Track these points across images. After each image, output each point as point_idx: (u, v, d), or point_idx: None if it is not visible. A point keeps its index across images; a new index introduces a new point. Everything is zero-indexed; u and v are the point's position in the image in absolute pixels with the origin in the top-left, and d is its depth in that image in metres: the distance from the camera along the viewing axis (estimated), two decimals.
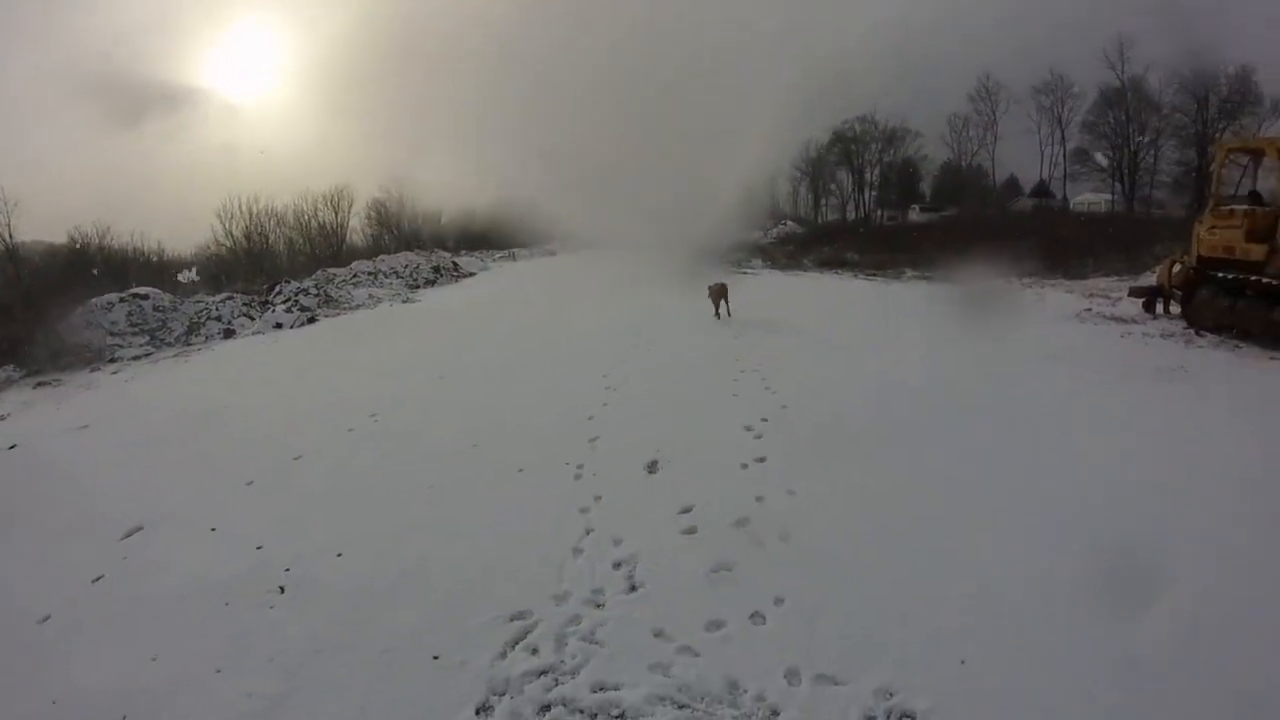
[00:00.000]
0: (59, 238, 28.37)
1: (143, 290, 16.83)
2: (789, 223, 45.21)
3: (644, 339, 11.43)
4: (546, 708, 3.10)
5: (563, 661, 3.37)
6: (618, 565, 4.23)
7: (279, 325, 16.84)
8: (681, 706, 3.04)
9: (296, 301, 18.53)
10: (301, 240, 40.01)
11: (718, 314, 13.25)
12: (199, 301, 17.74)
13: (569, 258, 39.74)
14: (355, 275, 24.50)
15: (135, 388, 11.37)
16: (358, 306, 19.93)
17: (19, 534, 5.69)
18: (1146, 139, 40.11)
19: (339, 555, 4.61)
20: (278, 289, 19.78)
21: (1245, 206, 10.50)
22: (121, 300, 16.02)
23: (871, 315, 14.21)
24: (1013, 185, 48.44)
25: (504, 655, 3.44)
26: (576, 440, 6.45)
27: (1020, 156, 46.58)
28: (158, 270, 25.04)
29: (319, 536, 4.88)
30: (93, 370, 13.24)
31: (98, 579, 4.69)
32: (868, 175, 50.50)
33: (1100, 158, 41.57)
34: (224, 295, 18.66)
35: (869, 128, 48.88)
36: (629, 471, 5.68)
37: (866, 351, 10.08)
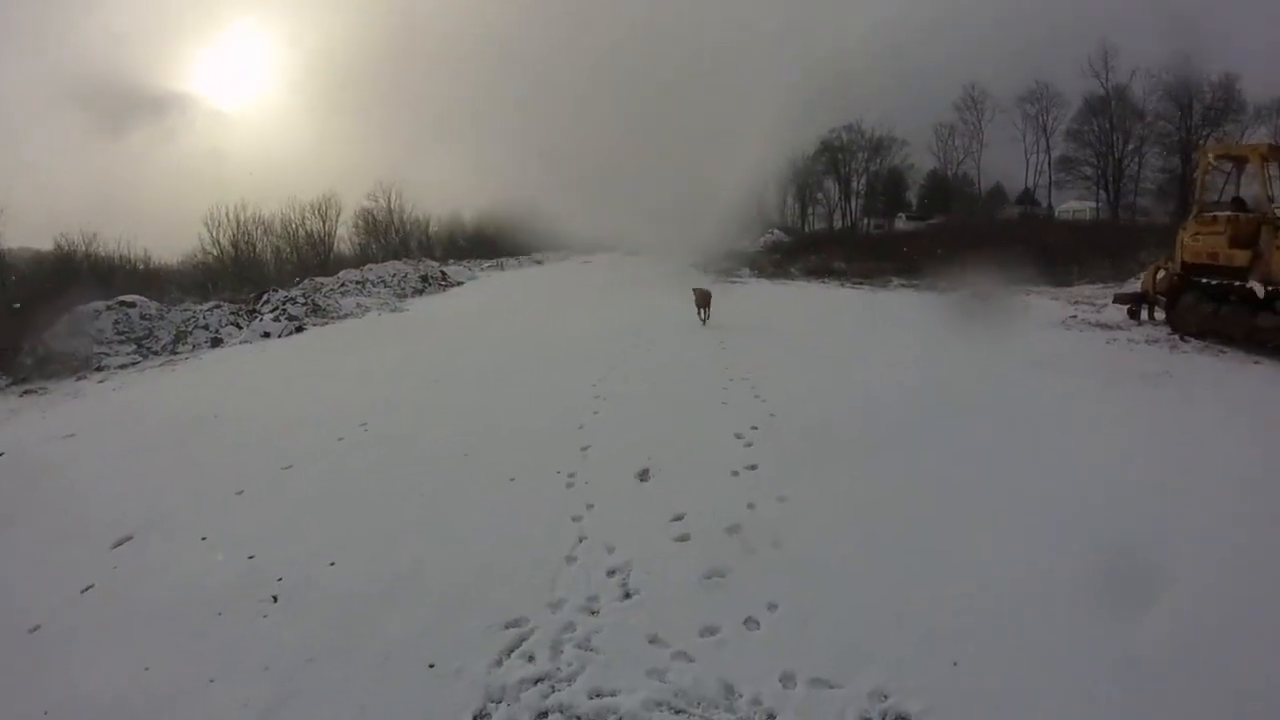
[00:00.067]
0: (45, 244, 28.23)
1: (130, 298, 16.72)
2: (776, 232, 45.42)
3: (632, 347, 11.49)
4: (544, 715, 3.10)
5: (559, 668, 3.37)
6: (611, 572, 4.24)
7: (267, 334, 16.79)
8: (678, 711, 3.06)
9: (284, 311, 18.47)
10: (289, 249, 39.91)
11: (701, 318, 13.67)
12: (186, 310, 17.65)
13: (556, 267, 39.80)
14: (343, 284, 24.41)
15: (123, 396, 11.30)
16: (346, 316, 19.88)
17: (6, 543, 5.64)
18: (1131, 147, 40.66)
19: (331, 564, 4.58)
20: (265, 298, 19.70)
21: (1229, 213, 10.68)
22: (108, 308, 15.92)
23: (859, 323, 14.34)
24: (998, 193, 48.84)
25: (500, 663, 3.43)
26: (567, 448, 6.46)
27: (1006, 165, 47.06)
28: (144, 278, 24.91)
29: (311, 545, 4.86)
30: (79, 379, 13.15)
31: (88, 588, 4.65)
32: (854, 184, 50.87)
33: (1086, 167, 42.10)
34: (211, 304, 18.59)
35: (856, 137, 49.34)
36: (620, 479, 5.70)
37: (854, 359, 10.17)
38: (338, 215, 42.63)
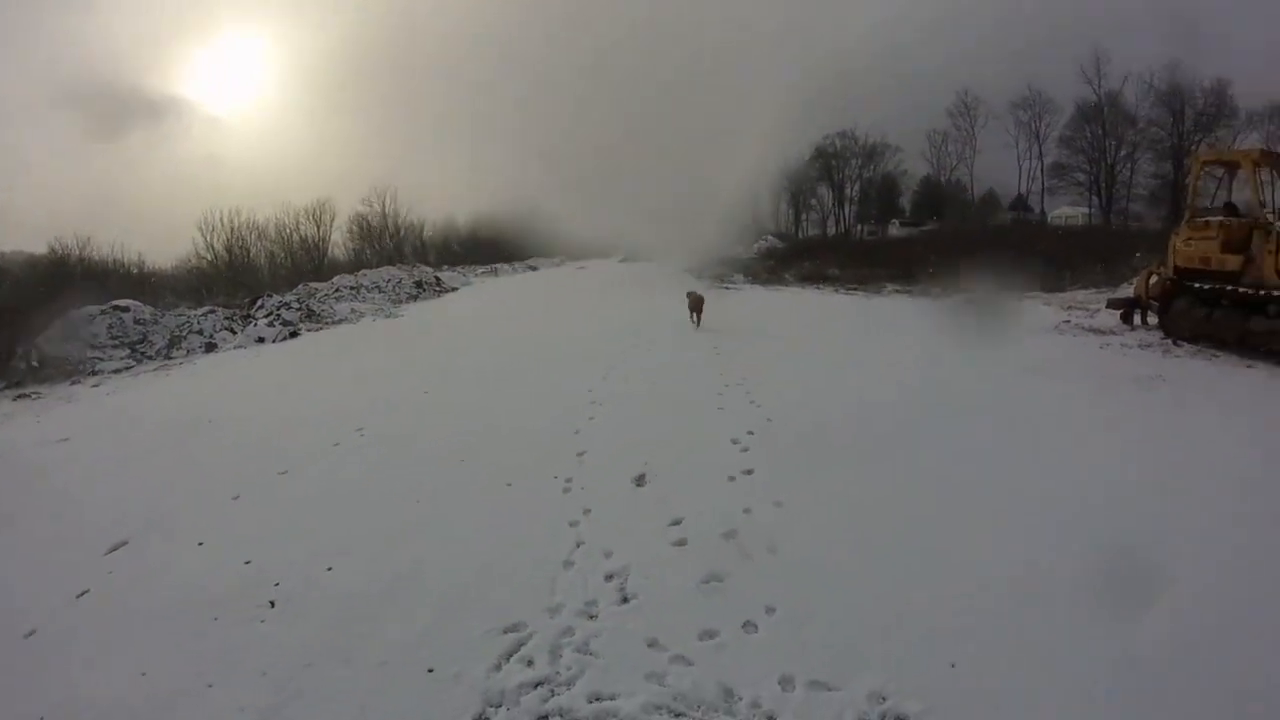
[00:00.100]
0: (39, 247, 28.16)
1: (123, 302, 16.67)
2: (770, 238, 45.59)
3: (629, 349, 11.54)
4: (544, 718, 3.10)
5: (558, 673, 3.37)
6: (609, 577, 4.24)
7: (261, 339, 16.77)
8: (678, 715, 3.06)
9: (279, 316, 18.44)
10: (283, 254, 39.90)
11: (694, 322, 13.95)
12: (180, 315, 17.61)
13: (551, 273, 39.84)
14: (337, 290, 24.41)
15: (117, 400, 11.27)
16: (340, 321, 19.88)
17: (0, 546, 5.61)
18: (1123, 152, 40.98)
19: (329, 569, 4.57)
20: (260, 303, 19.68)
21: (1221, 218, 10.76)
22: (102, 312, 15.87)
23: (853, 329, 14.39)
24: (991, 199, 49.11)
25: (499, 667, 3.43)
26: (564, 454, 6.47)
27: (999, 171, 47.35)
28: (138, 283, 24.85)
29: (308, 550, 4.84)
30: (73, 383, 13.12)
31: (83, 593, 4.62)
32: (848, 190, 51.08)
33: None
34: (205, 309, 18.55)
35: (849, 143, 49.61)
36: (617, 485, 5.71)
37: (849, 364, 10.22)
38: (332, 220, 42.73)
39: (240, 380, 12.47)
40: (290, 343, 16.57)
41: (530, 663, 3.45)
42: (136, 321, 16.08)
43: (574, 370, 10.21)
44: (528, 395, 8.97)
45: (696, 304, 14.13)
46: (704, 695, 3.15)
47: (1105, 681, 3.12)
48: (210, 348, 16.02)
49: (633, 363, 10.68)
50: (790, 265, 31.04)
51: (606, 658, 3.46)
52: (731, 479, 5.69)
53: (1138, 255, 18.36)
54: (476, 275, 37.83)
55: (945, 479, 5.43)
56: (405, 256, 41.08)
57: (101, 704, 3.44)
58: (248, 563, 4.75)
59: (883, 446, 6.26)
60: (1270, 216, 9.92)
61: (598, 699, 3.18)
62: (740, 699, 3.13)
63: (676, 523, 4.91)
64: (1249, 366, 9.22)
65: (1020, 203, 47.26)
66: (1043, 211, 45.88)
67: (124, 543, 5.33)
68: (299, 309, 19.64)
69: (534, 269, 43.43)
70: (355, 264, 36.61)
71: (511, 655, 3.52)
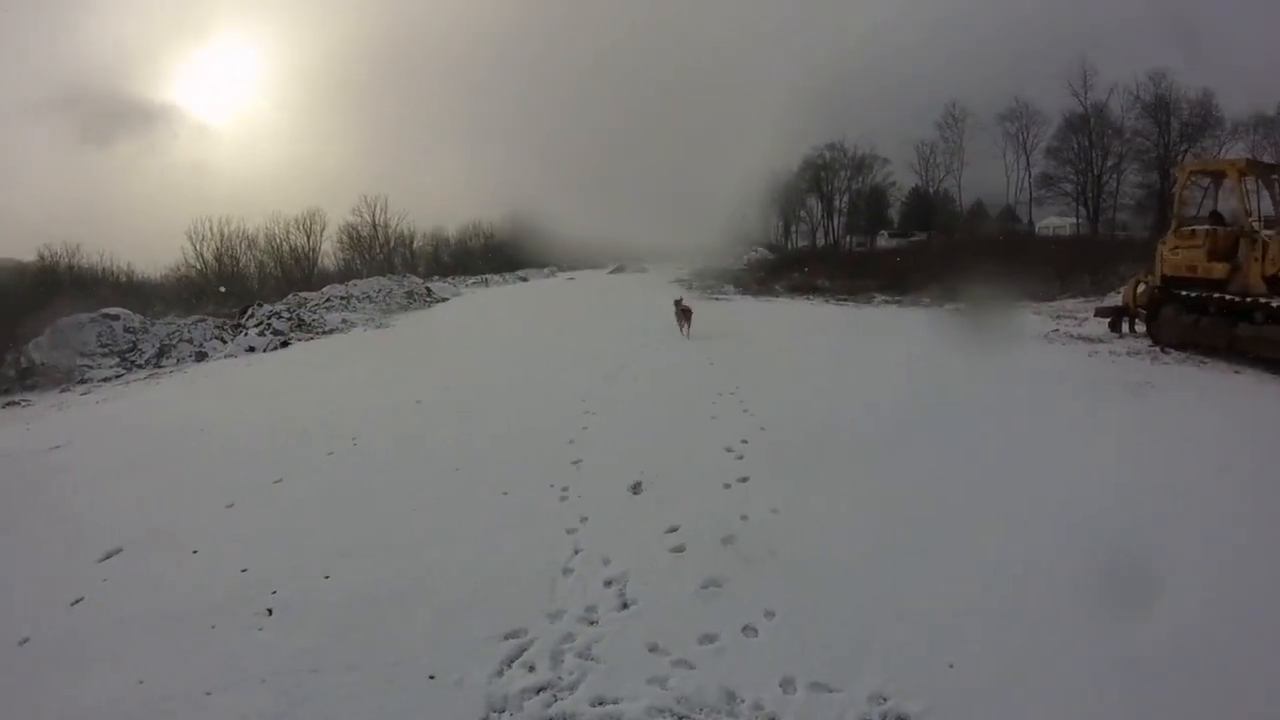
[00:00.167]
0: (28, 255, 27.98)
1: (113, 311, 16.61)
2: (760, 249, 45.78)
3: (621, 362, 11.55)
4: None
5: (560, 678, 3.38)
6: (608, 583, 4.26)
7: (252, 349, 16.71)
8: (681, 718, 3.09)
9: (269, 325, 18.40)
10: (273, 264, 39.87)
11: (684, 332, 14.19)
12: (170, 323, 17.54)
13: (540, 284, 39.88)
14: (328, 300, 24.37)
15: (108, 409, 11.20)
16: (331, 331, 19.84)
17: None
18: (1110, 163, 41.36)
19: (326, 577, 4.55)
20: (250, 312, 19.63)
21: (1207, 227, 10.89)
22: (92, 320, 15.79)
23: (844, 339, 14.48)
24: (979, 210, 49.42)
25: (501, 673, 3.44)
26: (559, 462, 6.49)
27: (987, 182, 47.65)
28: (128, 291, 24.75)
29: (305, 558, 4.83)
30: (63, 391, 13.05)
31: (77, 601, 4.58)
32: (837, 202, 51.31)
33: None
34: (195, 318, 18.49)
35: (838, 155, 49.84)
36: (613, 492, 5.74)
37: (841, 373, 10.28)
38: (322, 230, 42.72)
39: (232, 389, 12.42)
40: (281, 352, 16.52)
41: (532, 668, 3.46)
42: (126, 330, 16.00)
43: (568, 379, 10.27)
44: (522, 404, 9.00)
45: (685, 314, 14.38)
46: (706, 698, 3.17)
47: (1105, 681, 3.15)
48: (201, 357, 15.95)
49: (626, 372, 10.74)
50: (780, 276, 31.14)
51: (608, 662, 3.47)
52: (727, 486, 5.72)
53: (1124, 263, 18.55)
54: (467, 286, 37.87)
55: (941, 484, 5.48)
56: (395, 267, 41.06)
57: (99, 712, 3.41)
58: (244, 571, 4.73)
59: (878, 452, 6.32)
60: (1256, 225, 10.05)
61: (601, 703, 3.19)
62: (742, 701, 3.15)
63: (674, 529, 4.93)
64: (1236, 372, 9.33)
65: (1008, 213, 47.56)
66: (1030, 222, 46.22)
67: (118, 550, 5.30)
68: (290, 318, 19.60)
69: (524, 280, 43.48)
70: (345, 274, 36.63)
71: (513, 661, 3.53)
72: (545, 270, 47.75)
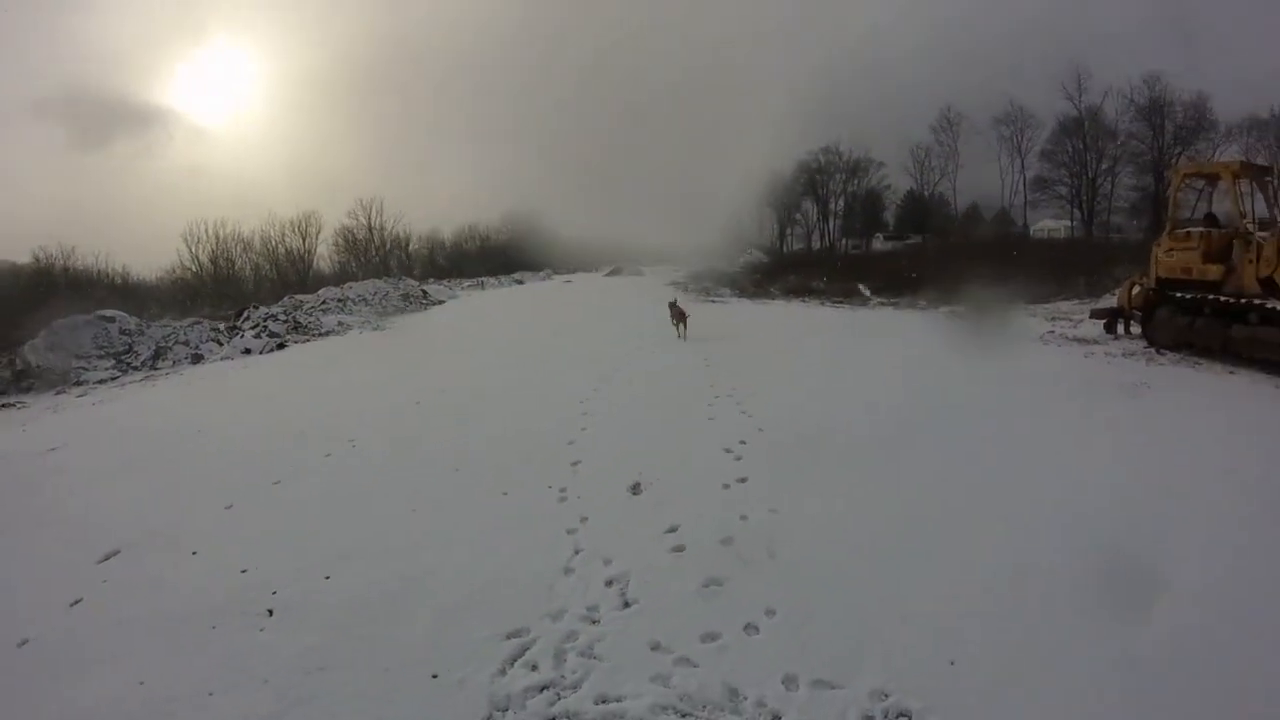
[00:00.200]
0: (23, 256, 27.91)
1: (109, 313, 16.53)
2: (755, 252, 45.85)
3: (617, 364, 11.57)
4: None
5: (563, 676, 3.39)
6: (610, 583, 4.28)
7: (248, 351, 16.67)
8: (685, 715, 3.10)
9: (265, 328, 18.37)
10: (268, 266, 39.82)
11: (679, 333, 14.31)
12: (166, 326, 17.48)
13: (536, 286, 39.88)
14: (324, 302, 24.33)
15: (104, 411, 11.15)
16: (328, 333, 19.81)
17: None
18: (1104, 166, 41.52)
19: (327, 578, 4.55)
20: (246, 314, 19.59)
21: (1202, 229, 10.95)
22: (87, 323, 15.72)
23: (840, 341, 14.52)
24: (974, 213, 49.53)
25: (503, 672, 3.44)
26: (558, 464, 6.51)
27: (982, 185, 47.77)
28: (123, 293, 24.68)
29: (305, 559, 4.83)
30: (58, 393, 12.99)
31: (76, 602, 4.57)
32: (832, 205, 51.39)
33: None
34: (191, 320, 18.43)
35: (833, 158, 49.93)
36: (612, 493, 5.75)
37: (838, 375, 10.32)
38: (318, 233, 42.70)
39: (229, 391, 12.39)
40: (278, 354, 16.48)
41: (535, 667, 3.47)
42: (122, 332, 15.94)
43: (565, 382, 10.28)
44: (520, 407, 9.00)
45: (679, 315, 14.53)
46: (710, 695, 3.19)
47: (1105, 681, 3.17)
48: (197, 359, 15.90)
49: (623, 374, 10.76)
50: (776, 279, 31.24)
51: (611, 661, 3.48)
52: (726, 487, 5.75)
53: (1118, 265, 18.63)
54: (463, 289, 37.84)
55: (939, 484, 5.51)
56: (391, 270, 41.06)
57: (100, 713, 3.40)
58: (244, 572, 4.73)
59: (876, 453, 6.34)
60: (1250, 227, 10.11)
61: (604, 701, 3.20)
62: (745, 698, 3.17)
63: (673, 530, 4.95)
64: (1231, 373, 9.38)
65: (1003, 216, 47.68)
66: (1025, 224, 46.37)
67: (116, 551, 5.28)
68: (286, 321, 19.56)
69: (520, 282, 43.49)
70: (341, 277, 36.59)
71: (515, 660, 3.54)
72: (541, 273, 47.81)
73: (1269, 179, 10.84)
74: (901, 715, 3.05)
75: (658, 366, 11.33)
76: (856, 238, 50.96)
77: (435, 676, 3.44)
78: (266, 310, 20.24)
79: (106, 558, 5.21)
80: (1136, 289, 12.19)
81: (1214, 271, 10.42)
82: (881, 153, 49.25)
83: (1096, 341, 12.44)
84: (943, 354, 11.72)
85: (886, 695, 3.15)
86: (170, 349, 16.05)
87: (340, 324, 21.22)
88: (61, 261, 26.42)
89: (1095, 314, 13.81)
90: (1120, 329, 12.82)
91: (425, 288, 32.25)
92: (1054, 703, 3.07)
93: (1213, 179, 11.88)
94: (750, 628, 3.72)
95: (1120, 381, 8.95)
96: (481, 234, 55.08)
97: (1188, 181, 12.86)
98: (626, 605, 4.02)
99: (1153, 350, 11.11)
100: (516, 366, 12.08)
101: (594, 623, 3.85)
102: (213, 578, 4.70)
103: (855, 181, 50.40)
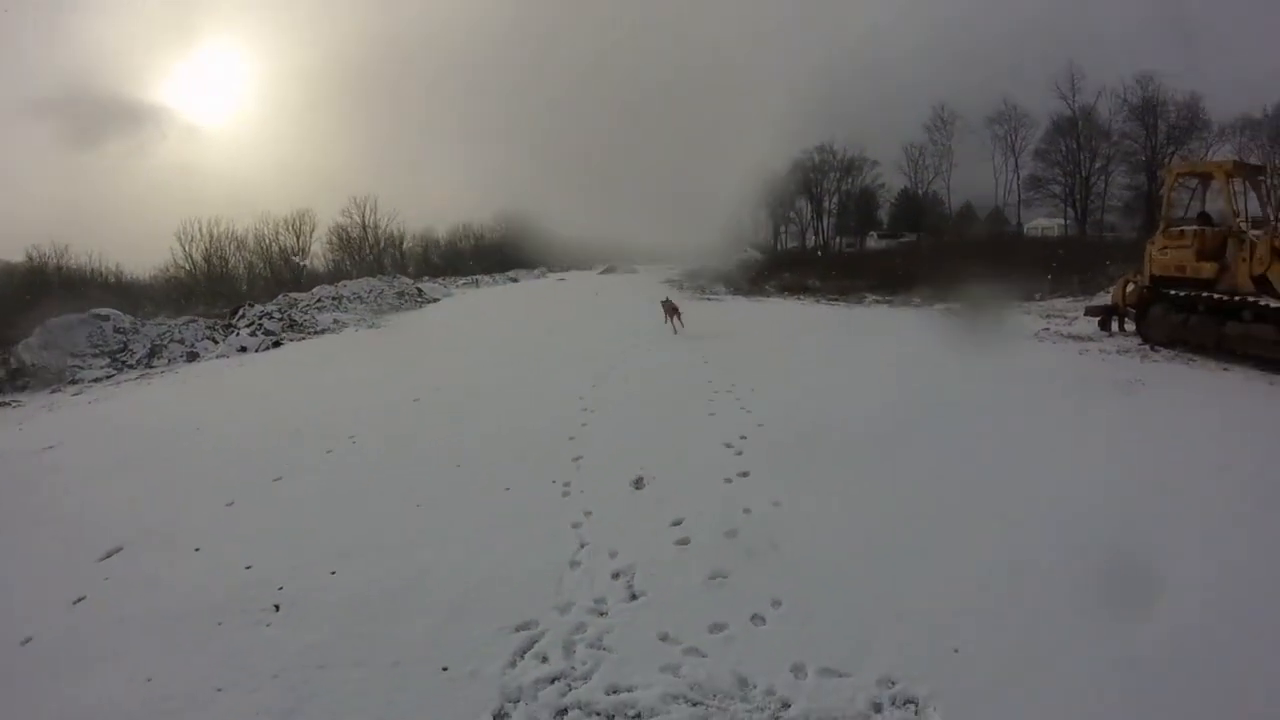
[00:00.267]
0: (15, 255, 27.78)
1: (103, 311, 16.47)
2: (750, 250, 45.88)
3: (614, 362, 11.60)
4: (563, 711, 3.14)
5: (573, 667, 3.42)
6: (616, 576, 4.31)
7: (243, 349, 16.63)
8: (695, 704, 3.12)
9: (260, 325, 18.32)
10: (262, 264, 39.71)
11: (672, 326, 14.58)
12: (160, 324, 17.43)
13: (531, 284, 39.82)
14: (319, 300, 24.29)
15: (101, 409, 11.13)
16: (323, 331, 19.78)
17: None
18: (1098, 165, 41.68)
19: (332, 573, 4.56)
20: (241, 312, 19.53)
21: (1195, 227, 11.03)
22: (82, 321, 15.67)
23: (836, 338, 14.55)
24: (968, 212, 49.66)
25: (514, 664, 3.47)
26: (560, 459, 6.53)
27: (975, 184, 47.86)
28: (117, 292, 24.58)
29: (310, 554, 4.84)
30: (53, 391, 12.96)
31: (79, 600, 4.57)
32: (826, 204, 51.43)
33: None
34: (186, 318, 18.38)
35: (827, 157, 49.97)
36: (615, 488, 5.78)
37: (835, 371, 10.36)
38: (312, 231, 42.58)
39: (225, 389, 12.37)
40: (274, 352, 16.46)
41: (545, 659, 3.50)
42: (117, 330, 15.88)
43: (564, 378, 10.30)
44: (520, 403, 9.01)
45: (672, 310, 14.77)
46: (719, 685, 3.22)
47: (1105, 681, 3.17)
48: (192, 357, 15.86)
49: (622, 370, 10.79)
50: (771, 277, 31.25)
51: (620, 652, 3.51)
52: (728, 480, 5.78)
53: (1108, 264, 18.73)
54: (458, 287, 37.79)
55: (940, 480, 5.54)
56: (385, 268, 40.99)
57: (108, 710, 3.40)
58: (248, 568, 4.73)
59: (875, 449, 6.37)
60: (1244, 225, 10.20)
61: (615, 691, 3.23)
62: (755, 687, 3.20)
63: (678, 523, 4.99)
64: (1225, 370, 9.45)
65: (997, 215, 47.80)
66: (1019, 223, 46.49)
67: (118, 549, 5.28)
68: (281, 319, 19.51)
69: (515, 280, 43.46)
70: (335, 275, 36.50)
71: (525, 652, 3.56)
72: (536, 271, 47.78)
73: (1262, 178, 10.94)
74: (909, 702, 3.08)
75: (654, 363, 11.35)
76: (851, 236, 51.05)
77: (446, 669, 3.45)
78: (262, 308, 20.19)
79: (108, 555, 5.21)
80: (1131, 286, 12.25)
81: (1208, 269, 10.51)
82: (879, 152, 49.39)
83: (1091, 339, 12.50)
84: (938, 351, 11.76)
85: (894, 682, 3.19)
86: (165, 347, 16.00)
87: (335, 322, 21.19)
88: (55, 260, 26.42)
89: (1090, 311, 13.87)
90: (1114, 326, 12.89)
91: (420, 286, 32.22)
92: (1055, 692, 3.11)
93: (1206, 178, 11.95)
94: (757, 618, 3.75)
95: (1115, 378, 9.01)
96: (475, 232, 55.03)
97: (1181, 180, 12.96)
98: (634, 597, 4.05)
99: (1147, 347, 11.18)
100: (512, 364, 12.10)
101: (602, 615, 3.88)
102: (217, 574, 4.70)
103: (850, 180, 50.52)
